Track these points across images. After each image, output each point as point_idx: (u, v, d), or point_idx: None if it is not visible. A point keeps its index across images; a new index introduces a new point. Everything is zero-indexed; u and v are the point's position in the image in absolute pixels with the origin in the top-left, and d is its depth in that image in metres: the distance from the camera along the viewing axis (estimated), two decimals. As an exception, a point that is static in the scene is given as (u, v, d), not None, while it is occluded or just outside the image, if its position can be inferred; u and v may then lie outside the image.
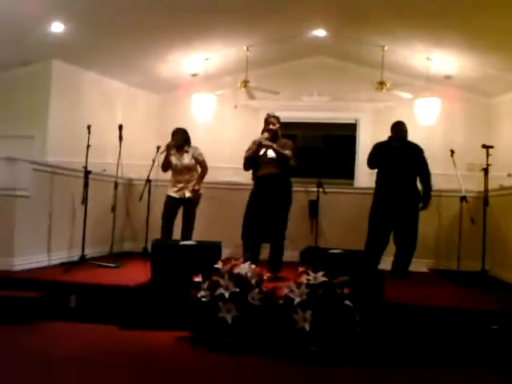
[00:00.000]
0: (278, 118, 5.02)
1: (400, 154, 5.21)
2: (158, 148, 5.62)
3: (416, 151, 5.28)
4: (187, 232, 5.46)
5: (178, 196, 5.50)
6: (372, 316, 3.59)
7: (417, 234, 5.22)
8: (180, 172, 5.51)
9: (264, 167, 4.87)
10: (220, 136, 8.75)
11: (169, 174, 5.66)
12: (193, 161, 5.54)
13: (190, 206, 5.51)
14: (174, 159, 5.51)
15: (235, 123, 8.78)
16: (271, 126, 4.94)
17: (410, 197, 5.19)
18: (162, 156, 5.58)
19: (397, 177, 5.19)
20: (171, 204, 5.50)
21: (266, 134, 4.90)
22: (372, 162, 5.35)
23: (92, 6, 5.86)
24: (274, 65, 8.65)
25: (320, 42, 7.95)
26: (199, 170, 5.60)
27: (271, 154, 4.86)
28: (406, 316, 3.75)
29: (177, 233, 5.53)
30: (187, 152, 5.54)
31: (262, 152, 4.87)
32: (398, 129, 5.30)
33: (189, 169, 5.54)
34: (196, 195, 5.52)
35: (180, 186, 5.50)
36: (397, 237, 5.25)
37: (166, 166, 5.51)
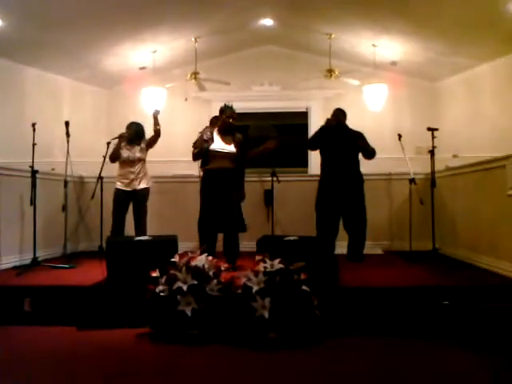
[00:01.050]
0: (230, 108, 4.96)
1: (339, 137, 5.33)
2: (108, 144, 5.52)
3: (355, 133, 5.41)
4: (141, 225, 5.42)
5: (128, 189, 5.43)
6: (329, 300, 3.66)
7: (365, 216, 5.34)
8: (131, 164, 5.45)
9: (219, 160, 4.84)
10: (172, 129, 8.60)
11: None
12: (144, 152, 5.50)
13: (140, 198, 5.46)
14: (125, 151, 5.44)
15: (187, 115, 8.71)
16: (232, 120, 4.91)
17: (354, 181, 5.31)
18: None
19: (339, 161, 5.30)
20: (120, 197, 5.44)
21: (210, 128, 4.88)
22: (312, 145, 5.56)
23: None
24: (223, 55, 8.62)
25: (268, 31, 7.97)
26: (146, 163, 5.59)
27: (232, 148, 4.84)
28: (363, 298, 3.84)
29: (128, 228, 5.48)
30: (139, 145, 5.48)
31: (219, 145, 4.83)
32: (335, 113, 5.44)
33: (140, 161, 5.50)
34: (147, 187, 5.50)
35: (130, 177, 5.44)
36: (346, 221, 5.35)
37: (115, 157, 5.45)
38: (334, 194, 5.26)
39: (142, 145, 5.52)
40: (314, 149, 5.57)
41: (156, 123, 5.48)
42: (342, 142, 5.32)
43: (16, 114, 7.13)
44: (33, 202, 4.91)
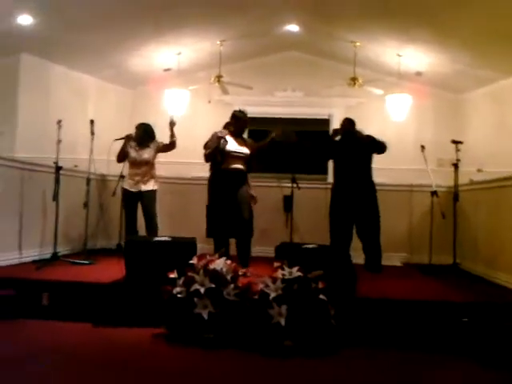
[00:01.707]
0: (243, 113, 5.02)
1: (349, 144, 5.33)
2: (116, 140, 5.54)
3: (365, 139, 5.38)
4: (151, 226, 5.46)
5: (134, 190, 5.48)
6: (346, 310, 3.63)
7: (379, 223, 5.30)
8: (138, 166, 5.49)
9: (232, 161, 4.84)
10: (193, 131, 8.65)
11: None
12: (152, 155, 5.51)
13: (146, 199, 5.48)
14: (132, 152, 5.47)
15: (208, 118, 8.71)
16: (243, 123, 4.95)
17: (366, 188, 5.30)
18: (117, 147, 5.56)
19: (350, 170, 5.30)
20: (127, 197, 5.51)
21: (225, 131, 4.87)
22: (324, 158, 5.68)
23: (61, -1, 5.75)
24: (247, 60, 8.64)
25: (293, 37, 7.97)
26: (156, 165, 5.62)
27: (244, 150, 4.86)
28: (380, 309, 3.80)
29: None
30: (148, 147, 5.50)
31: (233, 147, 4.83)
32: (342, 123, 5.48)
33: (147, 163, 5.52)
34: (153, 190, 5.52)
35: (136, 179, 5.48)
36: (359, 229, 5.33)
37: (122, 157, 5.50)
38: (347, 202, 5.25)
39: (152, 147, 5.52)
40: (327, 160, 5.57)
41: (172, 135, 5.49)
42: (353, 150, 5.32)
43: (41, 110, 7.25)
44: (56, 197, 4.96)
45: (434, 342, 3.56)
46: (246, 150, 4.88)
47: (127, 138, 5.47)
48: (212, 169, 4.95)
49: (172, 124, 5.49)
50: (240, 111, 5.00)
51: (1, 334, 3.52)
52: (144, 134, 5.51)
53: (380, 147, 5.33)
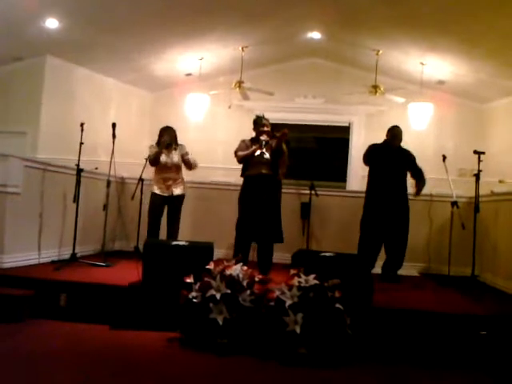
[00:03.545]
0: (268, 120, 5.09)
1: (393, 158, 5.25)
2: (151, 147, 5.59)
3: (409, 157, 5.33)
4: (174, 230, 5.46)
5: (166, 194, 5.46)
6: (362, 320, 3.60)
7: (407, 238, 5.26)
8: (169, 170, 5.49)
9: (257, 167, 4.88)
10: (213, 136, 8.73)
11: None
12: (180, 159, 5.53)
13: (177, 203, 5.50)
14: (163, 156, 5.46)
15: (228, 123, 8.78)
16: (266, 128, 4.97)
17: (401, 203, 5.24)
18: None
19: (389, 181, 5.23)
20: (158, 202, 5.47)
21: (265, 136, 4.92)
22: (368, 159, 5.39)
23: (87, 2, 5.83)
24: (268, 66, 8.67)
25: (314, 44, 7.98)
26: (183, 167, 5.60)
27: (267, 155, 4.88)
28: (396, 320, 3.77)
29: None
30: (175, 150, 5.53)
31: (258, 152, 4.89)
32: (394, 133, 5.36)
33: (177, 167, 5.53)
34: (183, 194, 5.53)
35: (168, 183, 5.47)
36: (387, 241, 5.28)
37: (157, 162, 5.44)
38: (380, 215, 5.19)
39: (178, 150, 5.54)
40: (368, 164, 5.47)
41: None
42: (393, 162, 5.25)
43: (65, 112, 7.37)
44: (76, 199, 5.02)
45: (449, 355, 3.51)
46: (267, 155, 4.90)
47: (163, 145, 5.41)
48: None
49: (186, 155, 5.51)
50: (257, 116, 5.06)
51: (18, 335, 3.57)
52: (173, 137, 5.54)
53: (418, 175, 5.32)
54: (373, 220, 5.24)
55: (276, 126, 5.18)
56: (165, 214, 5.54)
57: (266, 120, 5.08)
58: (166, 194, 5.46)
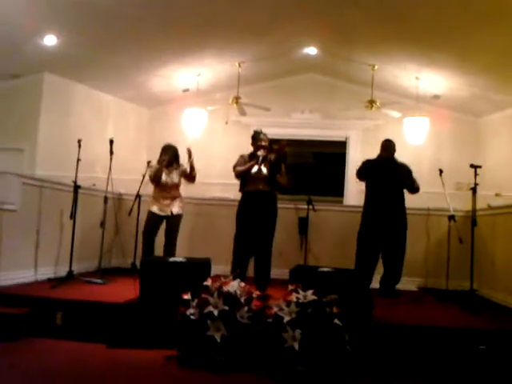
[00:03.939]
0: (266, 135, 5.10)
1: (388, 172, 5.26)
2: (149, 163, 5.60)
3: (404, 170, 5.34)
4: (171, 248, 5.43)
5: (163, 213, 5.45)
6: (361, 336, 3.58)
7: (404, 253, 5.25)
8: (168, 189, 5.49)
9: (254, 183, 4.90)
10: (210, 151, 8.74)
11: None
12: (179, 178, 5.53)
13: (173, 224, 5.48)
14: (163, 176, 5.46)
15: (226, 139, 8.80)
16: (263, 143, 4.99)
17: (398, 217, 5.23)
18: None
19: (385, 195, 5.23)
20: (154, 220, 5.45)
21: (263, 151, 4.93)
22: (361, 175, 5.41)
23: (86, 19, 5.86)
24: (265, 81, 8.72)
25: (311, 60, 8.03)
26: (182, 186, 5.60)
27: (264, 171, 4.89)
28: (395, 336, 3.74)
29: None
30: (176, 169, 5.53)
31: (255, 168, 4.90)
32: (384, 146, 5.39)
33: (176, 186, 5.53)
34: (181, 214, 5.52)
35: (166, 202, 5.46)
36: (385, 256, 5.27)
37: (158, 180, 5.43)
38: (377, 229, 5.19)
39: (178, 169, 5.54)
40: (362, 179, 5.47)
41: (192, 167, 5.48)
42: (389, 176, 5.26)
43: (62, 129, 7.38)
44: (73, 215, 5.01)
45: (449, 369, 3.48)
46: (265, 171, 4.91)
47: (163, 164, 5.42)
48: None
49: (189, 152, 5.45)
50: (255, 131, 5.09)
51: (15, 353, 3.53)
52: (174, 156, 5.54)
53: (414, 190, 5.33)
54: (369, 233, 5.24)
55: (274, 142, 5.19)
56: (162, 233, 5.52)
57: (264, 135, 5.10)
58: (163, 214, 5.45)
